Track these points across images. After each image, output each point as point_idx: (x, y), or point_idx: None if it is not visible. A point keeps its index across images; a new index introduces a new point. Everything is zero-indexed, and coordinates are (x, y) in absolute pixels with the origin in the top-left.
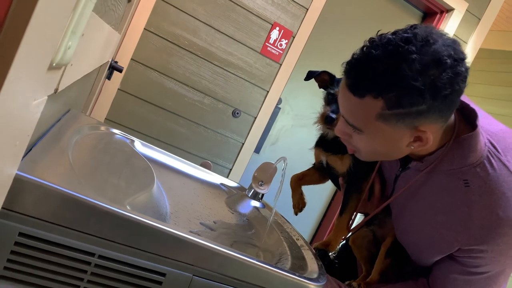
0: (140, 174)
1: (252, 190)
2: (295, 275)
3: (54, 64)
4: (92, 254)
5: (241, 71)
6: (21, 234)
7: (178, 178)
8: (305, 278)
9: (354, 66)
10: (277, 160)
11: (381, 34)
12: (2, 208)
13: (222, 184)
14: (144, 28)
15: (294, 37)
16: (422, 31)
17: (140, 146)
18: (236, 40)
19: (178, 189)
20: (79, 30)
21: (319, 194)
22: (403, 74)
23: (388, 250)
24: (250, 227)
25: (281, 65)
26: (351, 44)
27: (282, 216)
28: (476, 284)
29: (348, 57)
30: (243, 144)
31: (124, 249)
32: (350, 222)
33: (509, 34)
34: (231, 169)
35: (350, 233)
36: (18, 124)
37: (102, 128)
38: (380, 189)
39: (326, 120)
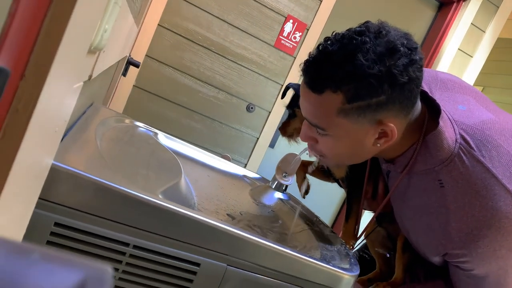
0: (167, 165)
1: (276, 182)
2: (329, 264)
3: (92, 48)
4: (127, 244)
5: (255, 65)
6: (56, 224)
7: (202, 170)
8: (338, 267)
9: (311, 63)
10: (301, 151)
11: (336, 32)
12: (38, 198)
13: (244, 176)
14: (158, 24)
15: (308, 30)
16: (374, 25)
17: (164, 138)
18: (250, 34)
19: (203, 181)
20: (115, 13)
21: (337, 188)
22: (359, 64)
23: (405, 244)
24: (276, 218)
25: (295, 58)
26: None
27: (307, 207)
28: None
29: None
30: (257, 139)
31: (158, 239)
32: (357, 226)
33: None
34: (246, 164)
35: (358, 240)
36: (59, 108)
37: (127, 121)
38: (384, 188)
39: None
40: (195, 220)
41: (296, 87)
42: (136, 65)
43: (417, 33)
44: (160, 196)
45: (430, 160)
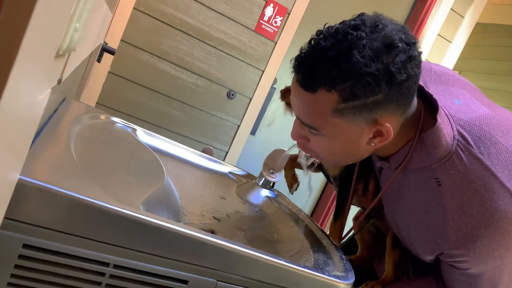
0: (148, 168)
1: (263, 179)
2: (324, 274)
3: (60, 52)
4: (107, 264)
5: (235, 51)
6: (25, 246)
7: (185, 168)
8: (334, 276)
9: (303, 60)
10: (289, 147)
11: (329, 26)
12: (4, 218)
13: (230, 172)
14: (134, 7)
15: (289, 14)
16: (370, 18)
17: (143, 134)
18: (229, 18)
19: (186, 180)
20: (87, 8)
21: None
22: (355, 61)
23: (394, 241)
24: (264, 218)
25: (276, 43)
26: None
27: (296, 205)
28: (482, 285)
29: None
30: (238, 126)
31: (141, 257)
32: (342, 226)
33: (502, 7)
34: (227, 152)
35: (343, 240)
36: (22, 125)
37: (102, 117)
38: (375, 185)
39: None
40: (181, 234)
41: None
42: (112, 52)
43: (397, 18)
44: (142, 207)
45: (426, 158)
